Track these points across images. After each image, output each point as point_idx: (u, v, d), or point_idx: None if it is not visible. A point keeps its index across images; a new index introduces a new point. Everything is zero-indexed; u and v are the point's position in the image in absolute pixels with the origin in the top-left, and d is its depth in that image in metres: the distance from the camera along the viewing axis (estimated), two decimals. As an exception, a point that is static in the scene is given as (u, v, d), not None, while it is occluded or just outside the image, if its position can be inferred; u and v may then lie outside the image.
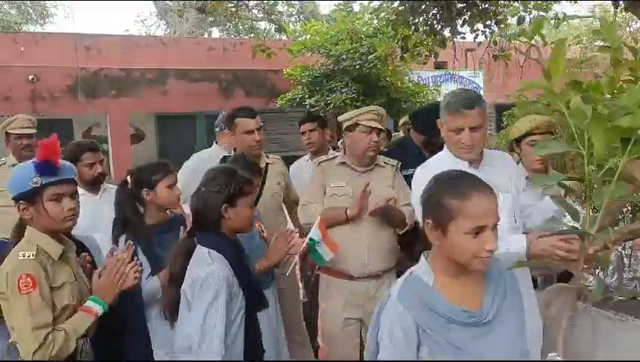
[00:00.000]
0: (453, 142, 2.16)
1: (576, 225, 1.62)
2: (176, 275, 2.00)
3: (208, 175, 2.07)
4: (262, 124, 3.14)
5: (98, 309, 1.92)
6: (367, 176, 2.86)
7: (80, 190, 2.24)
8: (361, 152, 2.84)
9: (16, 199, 1.87)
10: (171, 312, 2.02)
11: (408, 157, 3.12)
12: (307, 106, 9.32)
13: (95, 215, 2.75)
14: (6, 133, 3.80)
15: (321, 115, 7.48)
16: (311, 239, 2.54)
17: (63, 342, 1.79)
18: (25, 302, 1.75)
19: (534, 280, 2.34)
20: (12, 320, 1.80)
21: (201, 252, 1.95)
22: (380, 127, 2.83)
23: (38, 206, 1.86)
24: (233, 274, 1.91)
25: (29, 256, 1.81)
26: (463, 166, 2.16)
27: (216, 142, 3.57)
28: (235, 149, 3.18)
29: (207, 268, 1.88)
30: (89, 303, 1.93)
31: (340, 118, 2.98)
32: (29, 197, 1.86)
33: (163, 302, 2.12)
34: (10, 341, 1.83)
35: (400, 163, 2.99)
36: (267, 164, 3.22)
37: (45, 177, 1.85)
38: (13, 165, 3.73)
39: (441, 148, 2.31)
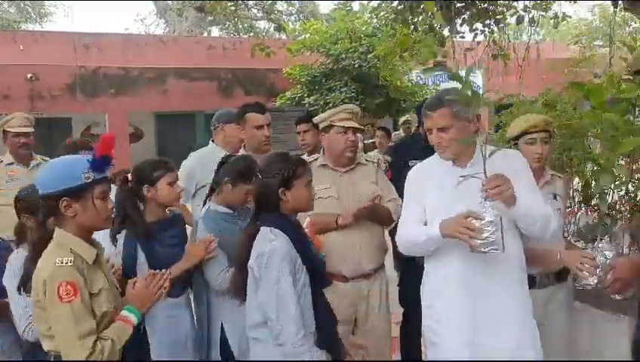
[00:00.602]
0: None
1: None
2: (242, 257, 2.07)
3: (264, 162, 2.14)
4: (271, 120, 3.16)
5: (134, 319, 1.87)
6: (349, 175, 2.84)
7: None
8: (339, 153, 2.81)
9: (58, 195, 1.73)
10: (238, 291, 2.09)
11: (414, 150, 3.21)
12: (306, 105, 9.30)
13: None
14: (4, 131, 3.79)
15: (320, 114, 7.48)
16: None
17: (110, 350, 1.74)
18: (67, 311, 1.67)
19: (533, 279, 2.36)
20: (50, 329, 1.73)
21: (264, 231, 2.03)
22: (355, 125, 2.80)
23: (86, 202, 1.76)
24: (295, 251, 1.99)
25: (66, 263, 1.70)
26: (447, 165, 2.18)
27: (212, 141, 3.57)
28: (244, 146, 3.17)
29: (270, 243, 1.96)
30: (125, 313, 1.88)
31: (315, 120, 2.97)
32: (76, 193, 1.74)
33: (230, 282, 2.21)
34: (47, 349, 1.77)
35: (379, 159, 3.08)
36: None
37: (97, 173, 1.77)
38: (10, 163, 3.74)
39: None
